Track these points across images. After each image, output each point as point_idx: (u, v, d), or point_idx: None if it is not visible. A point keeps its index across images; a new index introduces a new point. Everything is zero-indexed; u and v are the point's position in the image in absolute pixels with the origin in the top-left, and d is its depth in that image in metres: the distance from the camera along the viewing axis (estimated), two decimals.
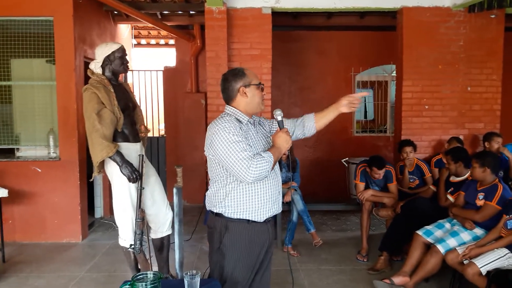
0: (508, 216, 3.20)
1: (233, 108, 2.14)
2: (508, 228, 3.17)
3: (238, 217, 2.08)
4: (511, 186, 3.32)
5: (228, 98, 2.16)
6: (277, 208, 2.19)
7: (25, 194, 4.75)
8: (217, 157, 2.03)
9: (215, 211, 2.14)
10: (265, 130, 2.28)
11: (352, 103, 2.30)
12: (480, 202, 3.47)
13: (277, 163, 2.22)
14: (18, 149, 4.94)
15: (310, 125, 2.37)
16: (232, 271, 2.10)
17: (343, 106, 2.31)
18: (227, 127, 2.00)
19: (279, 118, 2.14)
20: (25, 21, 4.76)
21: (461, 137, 5.09)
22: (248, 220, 2.09)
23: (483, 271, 3.03)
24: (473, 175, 3.57)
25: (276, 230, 4.67)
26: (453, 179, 3.99)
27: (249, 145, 2.02)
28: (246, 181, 1.98)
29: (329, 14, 6.18)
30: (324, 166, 6.94)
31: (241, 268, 2.11)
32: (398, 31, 5.35)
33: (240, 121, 2.09)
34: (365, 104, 7.55)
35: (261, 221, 2.12)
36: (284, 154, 4.25)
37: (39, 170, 4.76)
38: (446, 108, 5.27)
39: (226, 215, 2.10)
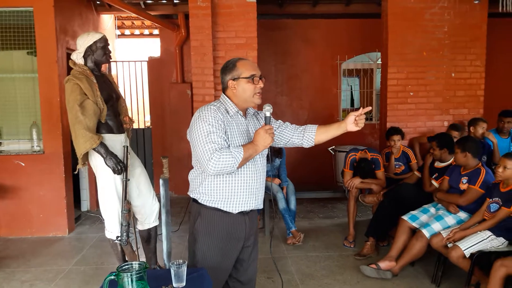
0: (491, 200, 3.26)
1: (226, 97, 2.12)
2: (491, 211, 3.22)
3: (211, 205, 2.08)
4: (494, 170, 3.36)
5: (223, 89, 2.16)
6: (255, 203, 2.14)
7: (9, 189, 4.67)
8: (192, 144, 2.04)
9: (192, 196, 2.16)
10: (259, 123, 2.23)
11: (360, 119, 2.16)
12: (463, 186, 3.53)
13: (266, 158, 2.20)
14: (0, 143, 4.85)
15: (309, 136, 2.24)
16: (202, 257, 2.11)
17: (350, 123, 2.17)
18: (206, 116, 1.98)
19: (267, 114, 2.07)
20: (3, 12, 4.65)
21: (445, 123, 5.15)
22: (221, 210, 2.07)
23: (467, 253, 3.08)
24: (456, 160, 3.63)
25: (264, 220, 4.70)
26: (438, 164, 4.04)
27: (224, 138, 1.97)
28: (207, 173, 1.97)
29: (314, 2, 6.16)
30: (311, 154, 6.94)
31: (213, 255, 2.10)
32: (383, 18, 5.35)
33: (227, 112, 2.07)
34: (351, 92, 7.58)
35: (234, 212, 2.09)
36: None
37: (23, 164, 4.69)
38: (430, 94, 5.31)
39: (200, 201, 2.10)
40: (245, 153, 1.96)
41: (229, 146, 1.99)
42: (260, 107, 2.20)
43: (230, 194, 2.06)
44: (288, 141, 2.27)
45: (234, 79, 2.08)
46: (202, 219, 2.09)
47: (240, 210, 2.10)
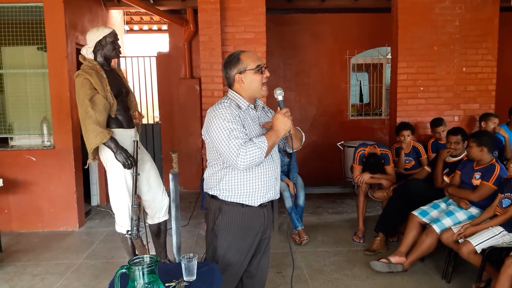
0: (503, 195, 3.23)
1: (234, 93, 2.11)
2: (503, 206, 3.19)
3: (232, 201, 2.08)
4: (506, 165, 3.32)
5: (229, 84, 2.14)
6: (273, 194, 2.17)
7: (20, 183, 4.72)
8: (212, 143, 2.03)
9: (210, 193, 2.15)
10: (267, 117, 2.23)
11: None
12: (476, 181, 3.48)
13: (277, 150, 2.20)
14: (11, 138, 4.90)
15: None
16: (224, 252, 2.11)
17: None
18: (223, 114, 1.98)
19: (280, 98, 2.07)
20: (14, 8, 4.67)
21: (456, 118, 5.11)
22: (243, 204, 2.09)
23: (478, 249, 3.06)
24: (471, 155, 3.56)
25: (273, 214, 4.69)
26: (449, 159, 4.00)
27: (244, 132, 1.99)
28: (238, 168, 1.97)
29: None
30: (320, 150, 6.94)
31: (234, 250, 2.11)
32: (392, 12, 5.30)
33: (239, 107, 2.07)
34: (360, 87, 7.54)
35: (256, 205, 2.10)
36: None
37: (34, 159, 4.73)
38: (441, 89, 5.26)
39: (220, 197, 2.10)
40: (269, 141, 1.97)
41: (250, 139, 1.98)
42: (269, 102, 2.19)
43: (252, 187, 2.07)
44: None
45: (240, 72, 2.07)
46: (224, 215, 2.10)
47: (261, 202, 2.11)
